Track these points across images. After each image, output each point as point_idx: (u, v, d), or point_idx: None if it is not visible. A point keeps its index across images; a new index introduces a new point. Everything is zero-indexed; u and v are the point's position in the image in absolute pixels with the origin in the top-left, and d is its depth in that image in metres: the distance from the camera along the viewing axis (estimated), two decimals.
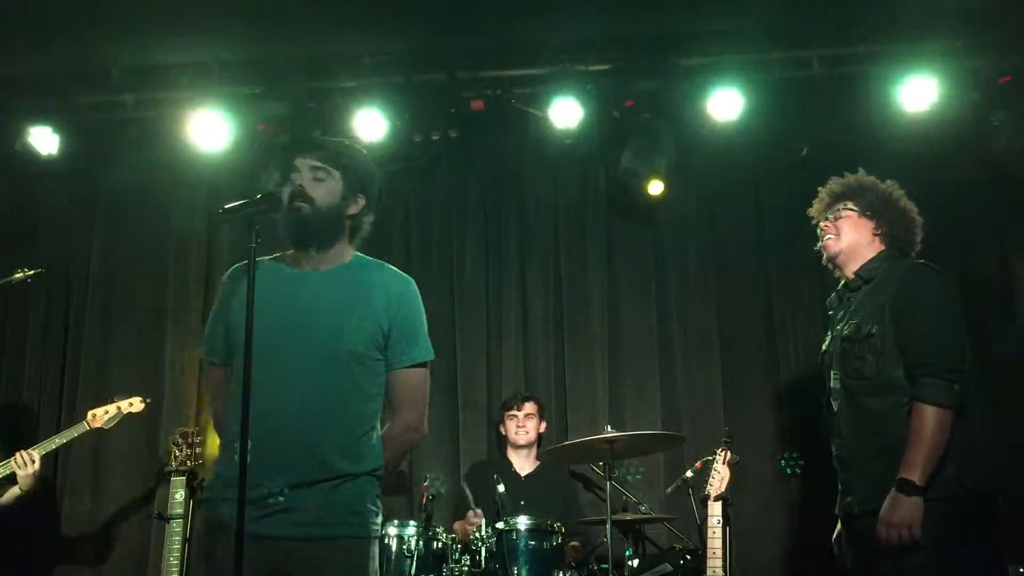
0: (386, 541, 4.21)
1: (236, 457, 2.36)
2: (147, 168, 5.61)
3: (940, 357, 3.04)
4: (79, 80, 5.30)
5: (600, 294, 5.53)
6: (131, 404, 4.79)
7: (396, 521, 4.33)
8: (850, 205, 3.39)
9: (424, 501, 4.33)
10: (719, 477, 4.31)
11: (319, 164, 2.73)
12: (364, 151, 2.86)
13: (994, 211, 5.26)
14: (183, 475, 4.73)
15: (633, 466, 5.17)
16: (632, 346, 5.49)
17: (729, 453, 4.38)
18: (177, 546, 4.59)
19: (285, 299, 2.65)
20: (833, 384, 3.29)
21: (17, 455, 4.53)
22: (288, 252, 2.80)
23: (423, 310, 2.81)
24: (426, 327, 2.81)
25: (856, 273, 3.34)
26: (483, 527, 4.26)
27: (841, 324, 3.31)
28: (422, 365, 2.77)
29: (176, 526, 4.62)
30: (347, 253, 2.79)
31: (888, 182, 3.44)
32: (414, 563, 4.14)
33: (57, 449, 4.75)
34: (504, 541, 4.18)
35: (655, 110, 5.14)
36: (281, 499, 2.51)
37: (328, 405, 2.60)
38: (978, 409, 3.15)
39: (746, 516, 5.03)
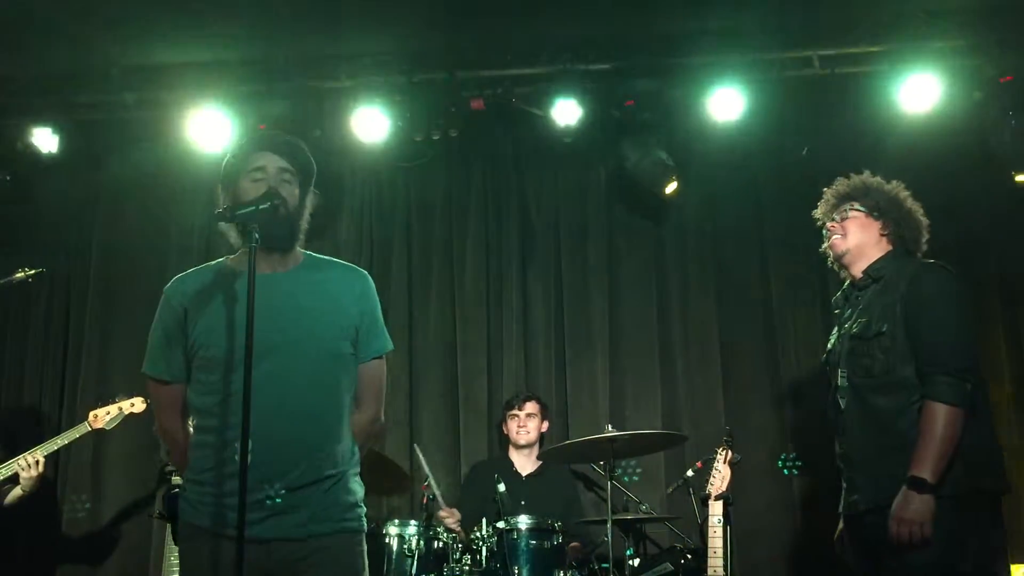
0: (387, 540, 4.22)
1: (235, 458, 2.36)
2: (148, 168, 5.62)
3: (953, 356, 3.06)
4: (80, 80, 5.30)
5: (601, 293, 5.53)
6: (132, 404, 4.79)
7: (397, 520, 4.34)
8: (857, 205, 3.40)
9: (424, 501, 4.33)
10: (720, 476, 4.31)
11: (286, 166, 2.71)
12: (307, 149, 2.82)
13: (995, 211, 5.25)
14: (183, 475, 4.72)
15: (631, 466, 5.17)
16: (633, 345, 5.49)
17: (730, 452, 4.38)
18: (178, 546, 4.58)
19: (257, 304, 2.52)
20: (840, 382, 3.29)
21: (21, 458, 4.53)
22: (231, 256, 2.76)
23: (379, 301, 2.83)
24: (382, 317, 2.84)
25: (865, 272, 3.35)
26: (484, 526, 4.26)
27: (849, 322, 3.32)
28: (382, 356, 2.81)
29: None
30: (299, 253, 2.79)
31: (894, 183, 3.45)
32: (415, 562, 4.15)
33: (50, 455, 4.73)
34: (505, 540, 4.19)
35: (655, 110, 5.13)
36: (278, 501, 2.51)
37: (314, 407, 2.61)
38: (985, 408, 3.15)
39: (747, 515, 5.03)
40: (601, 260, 5.58)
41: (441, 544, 4.26)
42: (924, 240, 3.42)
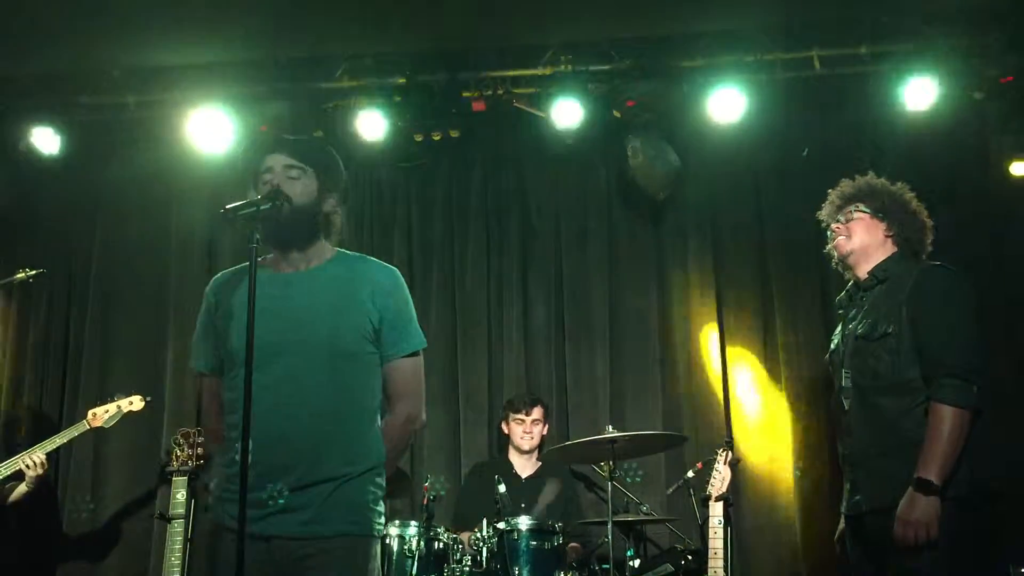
0: (387, 541, 4.21)
1: (237, 458, 2.38)
2: (149, 168, 5.62)
3: (960, 358, 3.06)
4: (81, 81, 5.31)
5: (601, 294, 5.53)
6: (131, 403, 4.80)
7: (398, 521, 4.33)
8: (862, 207, 3.40)
9: (425, 501, 4.33)
10: (720, 477, 4.31)
11: (293, 162, 2.71)
12: (330, 147, 2.84)
13: (996, 211, 5.25)
14: (184, 475, 4.74)
15: (632, 468, 5.17)
16: (633, 346, 5.49)
17: (730, 453, 4.38)
18: (178, 546, 4.60)
19: (272, 304, 2.60)
20: (844, 383, 3.29)
21: (26, 456, 4.54)
22: (268, 256, 2.78)
23: (410, 299, 2.79)
24: (415, 315, 2.78)
25: (870, 273, 3.35)
26: (484, 527, 4.26)
27: (854, 323, 3.32)
28: (415, 354, 2.75)
29: (177, 526, 4.62)
30: (327, 250, 2.78)
31: (898, 184, 3.45)
32: (415, 563, 4.15)
33: (58, 448, 4.75)
34: (505, 541, 4.19)
35: (656, 111, 5.13)
36: (281, 501, 2.52)
37: (324, 407, 2.60)
38: (989, 410, 3.16)
39: (747, 516, 5.04)
40: (602, 261, 5.58)
41: (441, 545, 4.26)
42: (929, 242, 3.42)
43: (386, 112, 5.15)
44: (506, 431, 5.14)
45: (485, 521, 4.29)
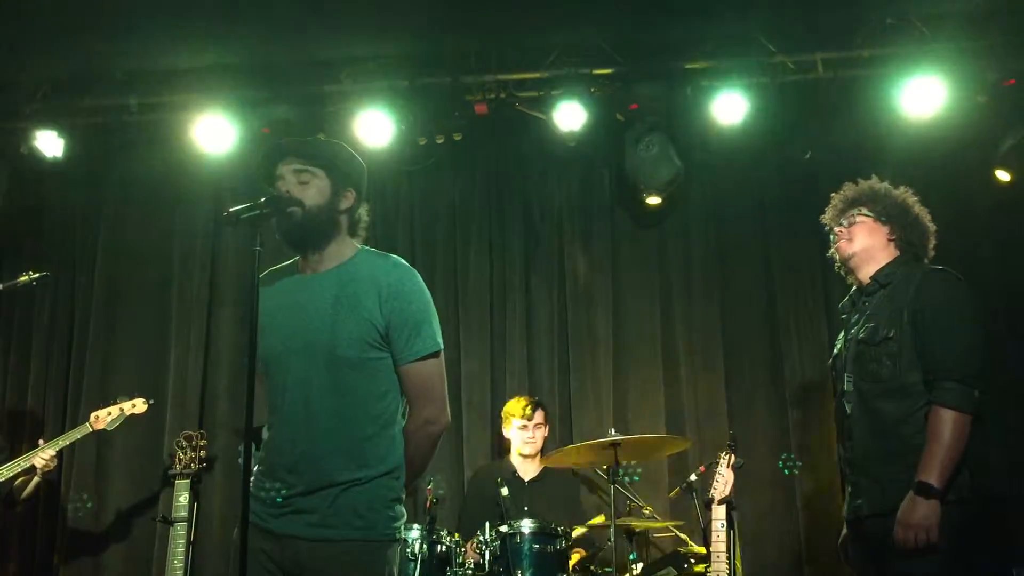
0: None
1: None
2: (152, 171, 5.64)
3: (961, 362, 3.06)
4: (84, 84, 5.31)
5: (604, 297, 5.53)
6: (134, 405, 4.81)
7: None
8: (864, 211, 3.40)
9: (428, 505, 4.32)
10: (723, 481, 4.30)
11: (302, 167, 2.71)
12: (344, 144, 2.83)
13: (999, 214, 5.25)
14: (187, 478, 4.74)
15: (631, 467, 5.15)
16: (636, 349, 5.49)
17: (733, 457, 4.37)
18: (181, 549, 4.59)
19: (286, 306, 2.66)
20: (846, 387, 3.29)
21: (38, 455, 4.56)
22: (298, 258, 2.81)
23: (426, 299, 2.72)
24: (431, 315, 2.72)
25: (873, 277, 3.34)
26: (487, 530, 4.26)
27: (856, 327, 3.32)
28: (432, 355, 2.69)
29: (180, 529, 4.62)
30: (348, 249, 2.77)
31: (901, 188, 3.45)
32: (418, 566, 4.15)
33: (61, 451, 4.76)
34: (508, 544, 4.18)
35: (659, 113, 5.13)
36: (279, 500, 2.56)
37: (328, 412, 2.61)
38: (990, 414, 3.15)
39: (750, 520, 5.03)
40: (605, 264, 5.58)
41: (444, 548, 4.26)
42: (932, 246, 3.42)
43: (389, 115, 5.15)
44: (507, 436, 5.12)
45: (488, 524, 4.29)
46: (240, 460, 2.47)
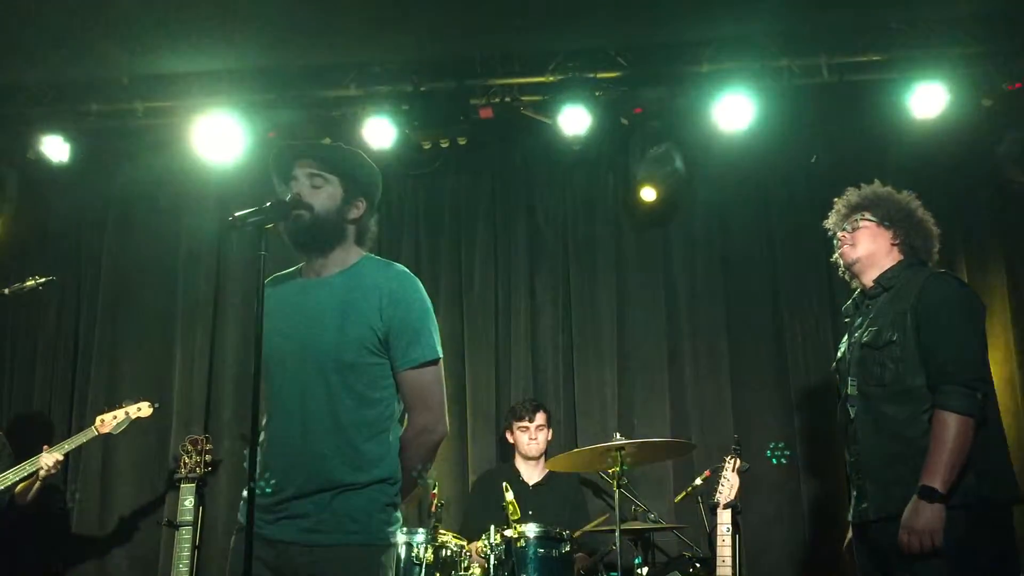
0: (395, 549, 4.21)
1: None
2: (157, 176, 5.65)
3: (963, 366, 3.06)
4: (90, 88, 5.33)
5: (609, 301, 5.53)
6: (139, 409, 4.81)
7: (405, 528, 4.32)
8: (868, 216, 3.40)
9: (433, 508, 4.32)
10: (728, 485, 4.30)
11: (316, 171, 2.72)
12: (362, 154, 2.83)
13: (1003, 218, 5.24)
14: (193, 482, 4.74)
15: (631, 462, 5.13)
16: (641, 353, 5.49)
17: (738, 461, 4.37)
18: (186, 553, 4.60)
19: (288, 310, 2.67)
20: (850, 391, 3.29)
21: (43, 459, 4.56)
22: (303, 263, 2.82)
23: (426, 308, 2.71)
24: (431, 324, 2.71)
25: (876, 281, 3.35)
26: (492, 534, 4.25)
27: (860, 331, 3.32)
28: (430, 363, 2.68)
29: (185, 533, 4.63)
30: (352, 256, 2.77)
31: (905, 192, 3.45)
32: (423, 570, 4.15)
33: (67, 455, 4.77)
34: (513, 549, 4.18)
35: (664, 117, 5.13)
36: (268, 491, 2.56)
37: (324, 417, 2.61)
38: (996, 418, 3.15)
39: (756, 524, 5.02)
40: (609, 268, 5.58)
41: (449, 552, 4.26)
42: (936, 250, 3.42)
43: (394, 120, 5.16)
44: (510, 439, 5.12)
45: (493, 528, 4.28)
46: (245, 464, 2.47)
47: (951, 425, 2.99)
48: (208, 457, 4.82)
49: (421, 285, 2.75)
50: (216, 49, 5.08)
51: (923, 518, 2.95)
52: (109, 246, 5.77)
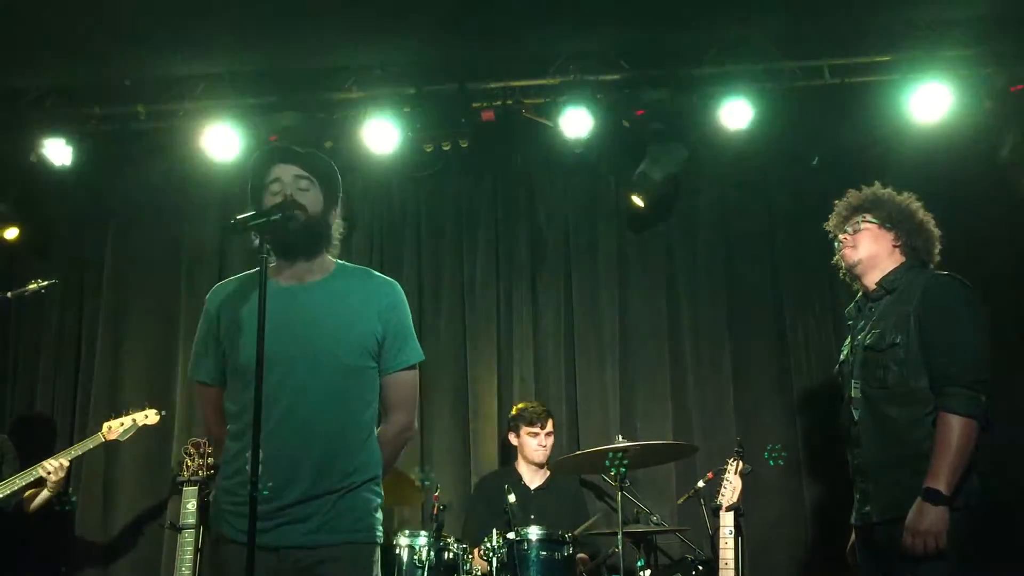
0: (397, 551, 4.21)
1: (247, 467, 2.40)
2: (160, 179, 5.66)
3: (967, 369, 3.05)
4: (92, 92, 5.34)
5: (611, 303, 5.53)
6: (146, 416, 4.82)
7: (407, 531, 4.33)
8: (869, 217, 3.40)
9: (435, 511, 4.32)
10: (731, 487, 4.30)
11: (302, 173, 2.74)
12: (332, 162, 2.86)
13: (1006, 220, 5.23)
14: (195, 485, 4.75)
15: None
16: (643, 355, 5.48)
17: (741, 463, 4.37)
18: (189, 556, 4.60)
19: (280, 317, 2.59)
20: (854, 393, 3.28)
21: (46, 463, 4.57)
22: (271, 265, 2.77)
23: (409, 313, 2.85)
24: (413, 329, 2.84)
25: (878, 283, 3.34)
26: (494, 537, 4.25)
27: (862, 333, 3.31)
28: (412, 367, 2.81)
29: (188, 536, 4.63)
30: (329, 262, 2.81)
31: (905, 194, 3.45)
32: (425, 573, 4.15)
33: (71, 460, 4.77)
34: (515, 551, 4.18)
35: (665, 120, 5.13)
36: (265, 493, 2.51)
37: (328, 421, 2.63)
38: (1000, 421, 3.15)
39: (758, 526, 5.01)
40: (611, 270, 5.58)
41: (451, 555, 4.26)
42: (937, 251, 3.42)
43: (396, 122, 5.17)
44: (514, 442, 5.10)
45: (495, 531, 4.28)
46: (247, 467, 2.47)
47: (955, 428, 2.98)
48: (210, 460, 4.81)
49: None
50: (218, 52, 5.09)
51: (927, 520, 2.95)
52: (111, 249, 5.77)
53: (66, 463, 4.64)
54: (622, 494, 4.20)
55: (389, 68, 5.22)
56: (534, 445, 4.98)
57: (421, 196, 5.76)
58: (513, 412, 5.15)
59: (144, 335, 5.67)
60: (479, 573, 4.26)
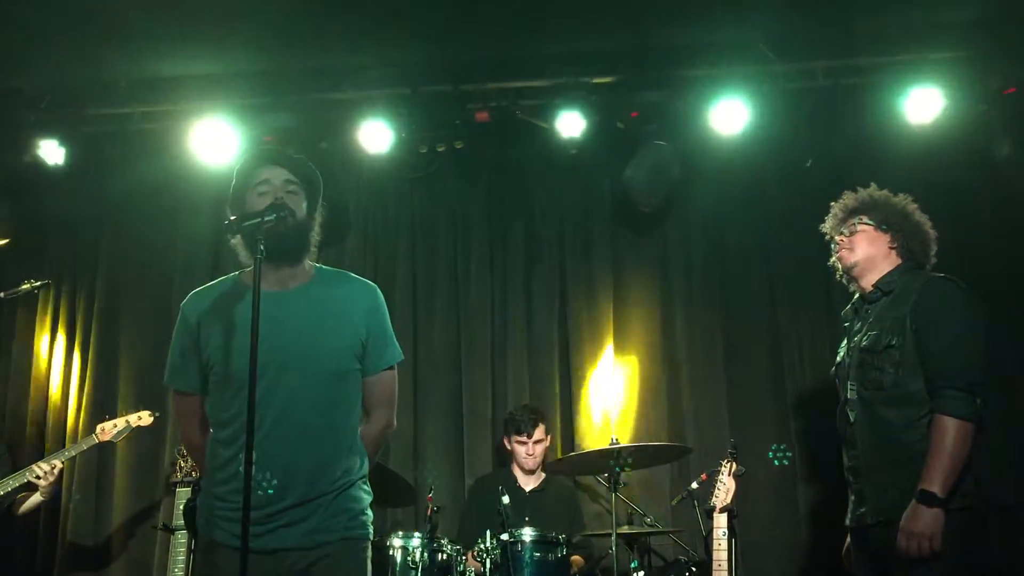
0: (391, 552, 4.21)
1: (240, 472, 2.42)
2: (154, 180, 5.64)
3: (962, 371, 3.07)
4: (87, 92, 5.33)
5: (605, 305, 5.53)
6: (140, 418, 4.82)
7: (401, 532, 4.33)
8: (865, 219, 3.41)
9: (429, 513, 4.32)
10: (724, 489, 4.29)
11: (291, 178, 2.76)
12: (314, 168, 2.88)
13: (999, 222, 5.24)
14: (188, 486, 4.73)
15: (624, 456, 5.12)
16: (637, 356, 5.48)
17: (734, 464, 4.37)
18: (182, 557, 4.60)
19: (264, 322, 2.54)
20: (849, 395, 3.29)
21: (36, 467, 4.55)
22: (246, 270, 2.79)
23: (387, 313, 2.89)
24: (392, 330, 2.89)
25: (875, 285, 3.35)
26: (488, 539, 4.25)
27: (859, 335, 3.32)
28: (391, 367, 2.87)
29: (181, 537, 4.62)
30: (309, 267, 2.83)
31: (901, 196, 3.46)
32: (419, 574, 4.14)
33: (64, 461, 4.76)
34: (509, 553, 4.18)
35: (659, 121, 5.14)
36: (271, 492, 2.57)
37: (321, 425, 2.65)
38: (996, 423, 3.15)
39: (752, 528, 5.02)
40: (606, 271, 5.58)
41: (445, 556, 4.26)
42: (933, 253, 3.43)
43: (391, 123, 5.16)
44: (508, 447, 5.08)
45: (489, 533, 4.28)
46: (240, 468, 2.47)
47: (950, 430, 2.99)
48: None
49: None
50: (212, 53, 5.08)
51: (922, 522, 2.95)
52: (105, 249, 5.77)
53: (59, 465, 4.63)
54: (616, 496, 4.21)
55: (384, 69, 5.21)
56: (523, 453, 4.97)
57: (416, 197, 5.76)
58: (506, 416, 5.15)
59: (138, 336, 5.66)
60: (473, 575, 4.26)
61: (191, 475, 4.76)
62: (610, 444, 4.33)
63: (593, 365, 5.47)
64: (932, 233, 3.43)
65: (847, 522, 3.34)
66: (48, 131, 5.27)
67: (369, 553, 2.75)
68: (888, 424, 3.16)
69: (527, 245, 5.67)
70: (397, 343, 2.89)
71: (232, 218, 2.54)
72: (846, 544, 3.41)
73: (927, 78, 4.84)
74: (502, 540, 4.21)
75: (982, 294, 3.30)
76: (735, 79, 5.02)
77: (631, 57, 5.14)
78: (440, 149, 5.33)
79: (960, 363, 3.08)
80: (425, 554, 4.18)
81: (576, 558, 4.62)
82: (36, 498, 4.67)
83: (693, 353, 5.47)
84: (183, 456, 4.82)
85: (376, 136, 5.17)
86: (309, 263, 2.83)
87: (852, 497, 3.31)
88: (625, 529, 4.49)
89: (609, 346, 5.47)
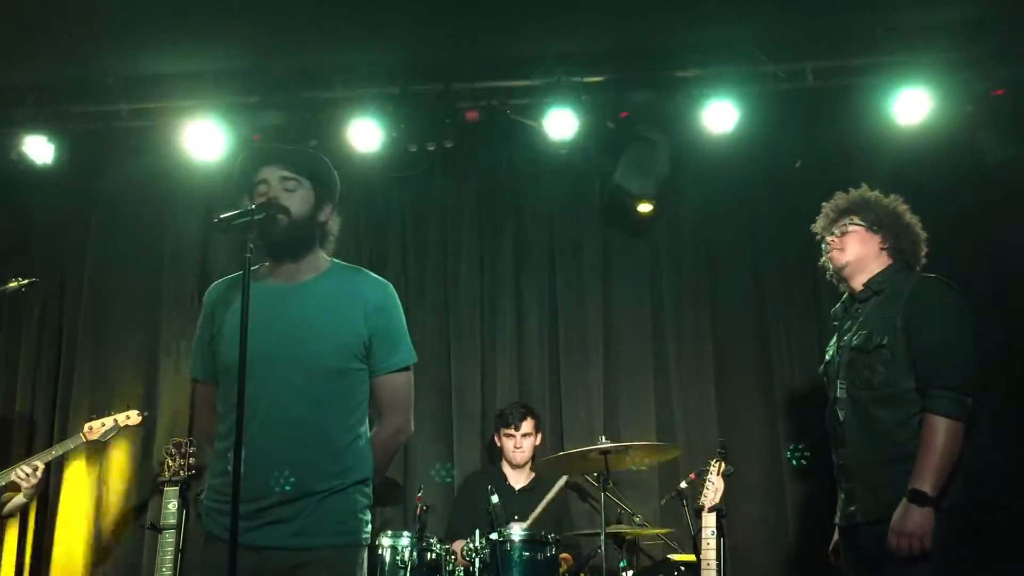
0: (380, 552, 4.21)
1: (229, 468, 2.41)
2: (142, 178, 5.62)
3: (953, 370, 3.08)
4: (74, 89, 5.30)
5: (595, 304, 5.53)
6: (128, 417, 4.78)
7: (390, 532, 4.32)
8: (856, 220, 3.42)
9: (418, 512, 4.32)
10: (713, 488, 4.31)
11: (288, 174, 2.72)
12: (326, 159, 2.85)
13: (987, 223, 5.27)
14: (176, 485, 4.73)
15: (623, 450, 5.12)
16: (627, 356, 5.49)
17: (723, 464, 4.38)
18: (170, 556, 4.58)
19: (265, 317, 2.59)
20: (839, 394, 3.30)
21: (18, 468, 4.51)
22: (264, 265, 2.79)
23: (402, 314, 2.82)
24: (406, 331, 2.82)
25: (866, 284, 3.36)
26: (477, 538, 4.25)
27: (849, 334, 3.33)
28: (405, 369, 2.79)
29: (169, 536, 4.61)
30: (322, 261, 2.79)
31: (892, 196, 3.47)
32: (408, 573, 4.14)
33: (48, 463, 4.72)
34: (498, 552, 4.18)
35: (649, 121, 5.15)
36: (249, 508, 2.52)
37: (310, 422, 2.62)
38: (987, 423, 3.17)
39: (741, 527, 5.03)
40: (595, 271, 5.58)
41: (434, 555, 4.25)
42: (923, 253, 3.44)
43: (380, 122, 5.15)
44: (498, 443, 5.11)
45: (478, 532, 4.28)
46: (229, 467, 2.46)
47: (941, 429, 3.00)
48: (192, 460, 4.80)
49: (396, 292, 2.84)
50: (201, 50, 5.06)
51: (912, 521, 2.96)
52: (93, 248, 5.73)
53: (41, 466, 4.57)
54: (605, 495, 4.21)
55: (374, 68, 5.20)
56: (510, 447, 4.99)
57: (405, 196, 5.75)
58: (496, 412, 5.16)
59: (126, 334, 5.63)
60: (461, 574, 4.26)
61: (179, 474, 4.76)
62: (599, 443, 4.33)
63: (582, 363, 5.47)
64: (923, 234, 3.45)
65: (836, 521, 3.35)
66: (35, 128, 5.23)
67: (361, 560, 2.68)
68: (878, 423, 3.17)
69: (517, 244, 5.67)
70: (411, 346, 2.81)
71: (219, 216, 2.52)
72: (833, 541, 3.42)
73: (916, 79, 4.86)
74: (491, 539, 4.21)
75: (971, 294, 3.32)
76: (725, 79, 5.02)
77: (622, 57, 5.15)
78: (430, 148, 5.31)
79: (950, 363, 3.09)
80: (414, 553, 4.18)
81: (565, 556, 4.63)
82: (19, 499, 4.62)
83: (682, 352, 5.48)
84: (171, 456, 4.80)
85: (366, 135, 5.16)
86: (324, 256, 2.80)
87: (842, 496, 3.31)
88: (614, 528, 4.49)
89: (598, 345, 5.47)
